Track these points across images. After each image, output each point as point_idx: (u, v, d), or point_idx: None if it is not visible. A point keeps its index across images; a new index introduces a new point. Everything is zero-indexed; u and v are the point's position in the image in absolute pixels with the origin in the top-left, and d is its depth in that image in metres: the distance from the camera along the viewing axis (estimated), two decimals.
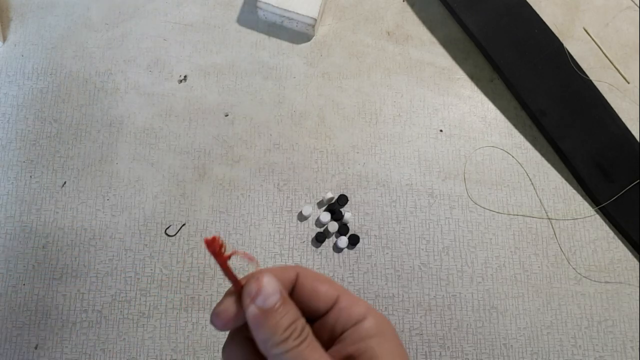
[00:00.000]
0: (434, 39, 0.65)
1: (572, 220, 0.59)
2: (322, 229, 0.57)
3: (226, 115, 0.60)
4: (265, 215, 0.57)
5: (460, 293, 0.56)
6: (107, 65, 0.62)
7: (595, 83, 0.61)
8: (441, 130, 0.61)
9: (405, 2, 0.66)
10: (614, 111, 0.60)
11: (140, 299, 0.54)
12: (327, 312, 0.24)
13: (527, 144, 0.61)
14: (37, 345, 0.52)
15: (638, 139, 0.60)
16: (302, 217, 0.57)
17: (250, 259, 0.23)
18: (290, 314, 0.22)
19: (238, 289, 0.23)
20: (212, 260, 0.55)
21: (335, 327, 0.24)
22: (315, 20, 0.60)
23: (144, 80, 0.61)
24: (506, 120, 0.62)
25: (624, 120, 0.60)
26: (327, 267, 0.56)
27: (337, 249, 0.57)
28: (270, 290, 0.22)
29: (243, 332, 0.24)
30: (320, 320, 0.25)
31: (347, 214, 0.57)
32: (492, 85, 0.63)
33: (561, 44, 0.62)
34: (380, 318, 0.24)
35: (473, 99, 0.63)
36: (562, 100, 0.60)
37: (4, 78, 0.61)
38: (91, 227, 0.56)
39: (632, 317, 0.56)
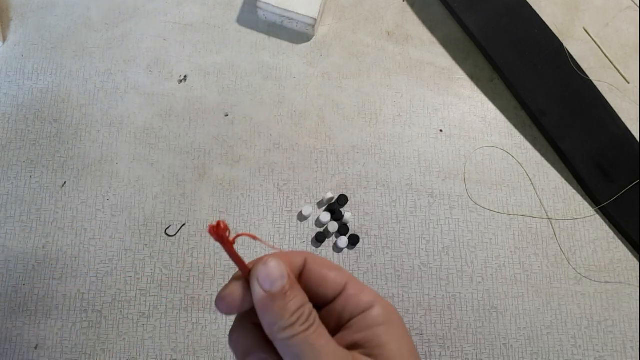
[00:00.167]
0: (434, 39, 0.65)
1: (572, 220, 0.59)
2: (322, 229, 0.57)
3: (226, 115, 0.60)
4: (265, 215, 0.57)
5: (460, 293, 0.56)
6: (107, 65, 0.62)
7: (595, 83, 0.61)
8: (441, 130, 0.61)
9: (405, 2, 0.66)
10: (614, 111, 0.60)
11: (140, 299, 0.54)
12: (334, 298, 0.24)
13: (527, 144, 0.61)
14: (37, 345, 0.52)
15: (638, 139, 0.60)
16: (302, 217, 0.57)
17: (255, 238, 0.23)
18: (297, 299, 0.22)
19: (245, 274, 0.23)
20: (212, 260, 0.55)
21: (343, 314, 0.24)
22: (315, 20, 0.60)
23: (144, 80, 0.61)
24: (506, 120, 0.62)
25: (624, 120, 0.60)
26: None
27: (337, 249, 0.57)
28: (277, 274, 0.22)
29: (251, 317, 0.24)
30: (328, 307, 0.25)
31: (347, 214, 0.57)
32: (492, 85, 0.63)
33: (561, 44, 0.62)
34: (387, 306, 0.24)
35: (473, 99, 0.63)
36: (562, 100, 0.60)
37: (4, 78, 0.61)
38: (91, 227, 0.56)
39: (632, 317, 0.56)
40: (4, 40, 0.62)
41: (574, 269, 0.57)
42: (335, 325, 0.24)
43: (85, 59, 0.62)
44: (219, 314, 0.54)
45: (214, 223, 0.22)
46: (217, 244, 0.56)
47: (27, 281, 0.54)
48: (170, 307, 0.54)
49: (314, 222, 0.57)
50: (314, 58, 0.63)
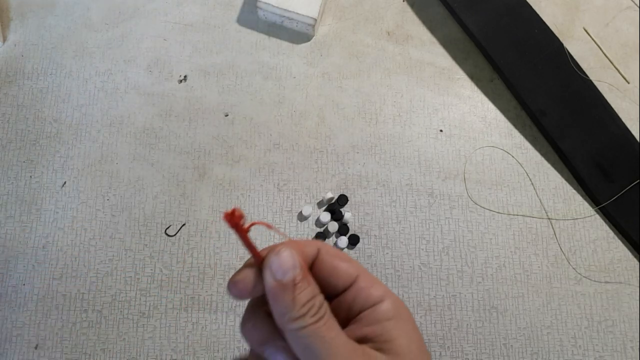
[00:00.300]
0: (434, 39, 0.65)
1: (572, 220, 0.59)
2: (322, 229, 0.57)
3: (226, 115, 0.60)
4: (265, 215, 0.57)
5: (460, 293, 0.56)
6: (107, 65, 0.62)
7: (595, 83, 0.61)
8: (441, 130, 0.61)
9: (405, 2, 0.66)
10: (614, 111, 0.60)
11: (140, 299, 0.54)
12: (344, 290, 0.24)
13: (527, 144, 0.61)
14: (37, 345, 0.52)
15: (638, 139, 0.60)
16: (302, 217, 0.57)
17: (270, 226, 0.23)
18: (308, 290, 0.22)
19: (258, 261, 0.23)
20: (212, 260, 0.55)
21: (353, 307, 0.24)
22: (315, 20, 0.60)
23: (144, 80, 0.61)
24: (506, 120, 0.62)
25: (624, 120, 0.60)
26: None
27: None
28: (290, 264, 0.22)
29: (264, 305, 0.23)
30: (338, 298, 0.25)
31: (347, 214, 0.57)
32: (492, 85, 0.63)
33: (561, 44, 0.62)
34: (397, 301, 0.24)
35: (473, 99, 0.63)
36: (562, 100, 0.60)
37: (4, 78, 0.61)
38: (91, 227, 0.56)
39: (632, 317, 0.56)
40: (4, 40, 0.62)
41: (574, 269, 0.57)
42: (345, 317, 0.24)
43: (85, 59, 0.62)
44: (219, 313, 0.54)
45: (229, 210, 0.22)
46: (218, 242, 0.56)
47: (27, 281, 0.54)
48: (170, 307, 0.54)
49: (314, 222, 0.57)
50: (314, 58, 0.63)
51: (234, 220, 0.22)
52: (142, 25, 0.63)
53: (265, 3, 0.61)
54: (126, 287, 0.54)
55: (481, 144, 0.61)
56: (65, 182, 0.57)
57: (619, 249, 0.58)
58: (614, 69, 0.64)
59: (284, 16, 0.61)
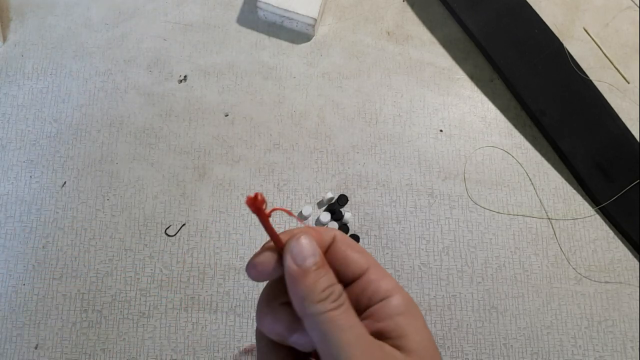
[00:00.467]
0: (434, 39, 0.65)
1: (572, 220, 0.59)
2: None
3: (226, 115, 0.60)
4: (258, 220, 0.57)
5: (460, 293, 0.56)
6: (107, 65, 0.62)
7: (595, 83, 0.61)
8: (441, 130, 0.61)
9: (405, 2, 0.66)
10: (614, 111, 0.60)
11: (140, 299, 0.54)
12: (354, 281, 0.24)
13: (527, 144, 0.61)
14: (37, 345, 0.52)
15: (638, 139, 0.60)
16: (302, 217, 0.57)
17: (290, 213, 0.23)
18: (328, 276, 0.22)
19: (279, 246, 0.23)
20: (212, 260, 0.55)
21: (361, 298, 0.24)
22: (315, 20, 0.60)
23: (144, 80, 0.61)
24: (506, 120, 0.62)
25: (624, 120, 0.60)
26: None
27: None
28: (310, 251, 0.22)
29: (279, 298, 0.24)
30: (347, 289, 0.25)
31: (347, 214, 0.57)
32: (492, 85, 0.63)
33: (561, 44, 0.62)
34: (407, 296, 0.24)
35: (473, 99, 0.63)
36: (562, 100, 0.60)
37: (4, 78, 0.61)
38: (91, 227, 0.56)
39: (632, 317, 0.56)
40: (4, 40, 0.62)
41: (574, 269, 0.57)
42: (353, 308, 0.24)
43: (85, 59, 0.62)
44: (219, 313, 0.54)
45: (252, 195, 0.22)
46: (218, 242, 0.56)
47: (27, 281, 0.54)
48: (170, 307, 0.54)
49: (314, 222, 0.57)
50: (314, 58, 0.63)
51: (257, 204, 0.22)
52: (142, 25, 0.63)
53: (265, 3, 0.61)
54: (126, 287, 0.54)
55: (481, 144, 0.61)
56: (65, 182, 0.57)
57: (619, 249, 0.58)
58: (614, 69, 0.64)
59: (284, 16, 0.61)
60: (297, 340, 0.23)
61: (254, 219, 0.57)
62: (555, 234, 0.58)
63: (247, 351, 0.53)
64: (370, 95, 0.62)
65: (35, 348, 0.52)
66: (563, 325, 0.55)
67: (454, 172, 0.60)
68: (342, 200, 0.57)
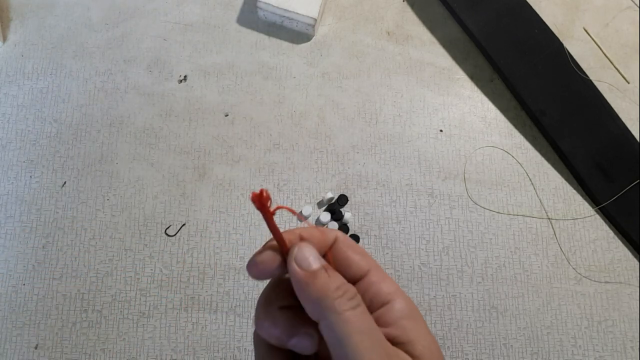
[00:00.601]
0: (434, 39, 0.65)
1: (572, 220, 0.59)
2: None
3: (226, 115, 0.60)
4: (262, 216, 0.57)
5: (460, 293, 0.56)
6: (107, 65, 0.62)
7: (595, 83, 0.61)
8: (441, 130, 0.61)
9: (405, 2, 0.66)
10: (614, 111, 0.60)
11: (140, 299, 0.54)
12: (354, 283, 0.24)
13: (527, 144, 0.61)
14: (37, 345, 0.52)
15: (638, 139, 0.60)
16: (300, 215, 0.57)
17: (294, 212, 0.23)
18: (338, 277, 0.22)
19: (281, 245, 0.23)
20: (212, 260, 0.55)
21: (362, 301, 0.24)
22: (315, 20, 0.60)
23: (144, 80, 0.61)
24: (506, 120, 0.62)
25: (624, 120, 0.60)
26: None
27: None
28: (313, 255, 0.23)
29: (277, 302, 0.23)
30: None
31: (347, 214, 0.57)
32: (492, 85, 0.63)
33: (561, 44, 0.62)
34: (409, 299, 0.24)
35: (473, 99, 0.63)
36: (562, 100, 0.60)
37: (4, 78, 0.61)
38: (91, 227, 0.56)
39: (632, 317, 0.56)
40: (4, 40, 0.62)
41: (574, 269, 0.57)
42: None
43: (85, 59, 0.62)
44: (219, 313, 0.54)
45: (257, 191, 0.22)
46: (218, 242, 0.56)
47: (27, 281, 0.54)
48: (170, 307, 0.54)
49: (313, 222, 0.57)
50: (314, 58, 0.63)
51: (262, 201, 0.22)
52: (142, 25, 0.63)
53: (265, 3, 0.61)
54: (126, 287, 0.54)
55: (481, 144, 0.61)
56: (65, 182, 0.57)
57: (619, 249, 0.58)
58: (614, 69, 0.64)
59: (284, 16, 0.61)
60: (295, 344, 0.23)
61: (254, 219, 0.57)
62: (555, 234, 0.58)
63: None
64: (370, 95, 0.62)
65: (35, 348, 0.52)
66: (563, 325, 0.55)
67: (454, 172, 0.60)
68: (342, 200, 0.57)
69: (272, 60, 0.63)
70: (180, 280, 0.55)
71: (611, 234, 0.58)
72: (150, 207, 0.57)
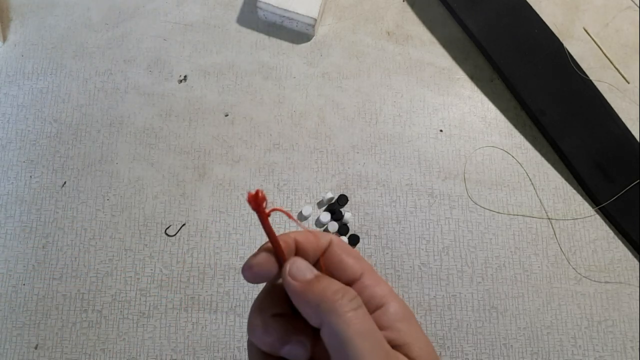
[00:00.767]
0: (434, 39, 0.65)
1: (572, 220, 0.59)
2: (322, 229, 0.57)
3: (226, 115, 0.60)
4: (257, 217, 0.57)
5: (460, 293, 0.56)
6: (107, 65, 0.62)
7: (595, 83, 0.61)
8: (441, 130, 0.61)
9: (405, 2, 0.66)
10: (614, 111, 0.60)
11: (140, 299, 0.54)
12: (348, 286, 0.24)
13: (527, 144, 0.61)
14: (37, 345, 0.52)
15: (638, 139, 0.60)
16: (302, 217, 0.57)
17: (289, 216, 0.23)
18: (335, 282, 0.23)
19: (275, 247, 0.23)
20: (212, 260, 0.55)
21: None
22: (315, 20, 0.60)
23: (144, 80, 0.61)
24: (506, 120, 0.62)
25: (624, 120, 0.60)
26: None
27: None
28: (307, 267, 0.23)
29: (270, 309, 0.24)
30: None
31: (347, 214, 0.57)
32: (492, 85, 0.63)
33: (561, 44, 0.62)
34: (403, 302, 0.24)
35: (473, 99, 0.63)
36: (562, 100, 0.60)
37: (4, 78, 0.61)
38: (91, 227, 0.56)
39: (632, 317, 0.56)
40: (4, 40, 0.62)
41: (574, 269, 0.57)
42: None
43: (85, 59, 0.62)
44: (219, 313, 0.54)
45: (253, 192, 0.22)
46: (218, 242, 0.56)
47: (27, 281, 0.54)
48: (170, 307, 0.54)
49: (314, 222, 0.57)
50: (314, 58, 0.63)
51: (258, 201, 0.22)
52: (142, 25, 0.63)
53: (265, 3, 0.61)
54: (126, 287, 0.54)
55: (481, 144, 0.61)
56: (65, 182, 0.57)
57: (619, 249, 0.58)
58: (614, 69, 0.64)
59: (284, 16, 0.61)
60: (288, 352, 0.23)
61: (254, 219, 0.57)
62: (555, 234, 0.58)
63: None
64: (370, 95, 0.62)
65: (35, 348, 0.52)
66: (563, 325, 0.55)
67: (454, 172, 0.60)
68: (342, 200, 0.57)
69: (272, 60, 0.63)
70: (180, 280, 0.55)
71: (611, 234, 0.58)
72: (150, 207, 0.57)
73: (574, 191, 0.60)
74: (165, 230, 0.56)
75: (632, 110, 0.63)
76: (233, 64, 0.62)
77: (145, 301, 0.54)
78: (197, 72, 0.62)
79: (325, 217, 0.56)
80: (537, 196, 0.59)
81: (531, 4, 0.63)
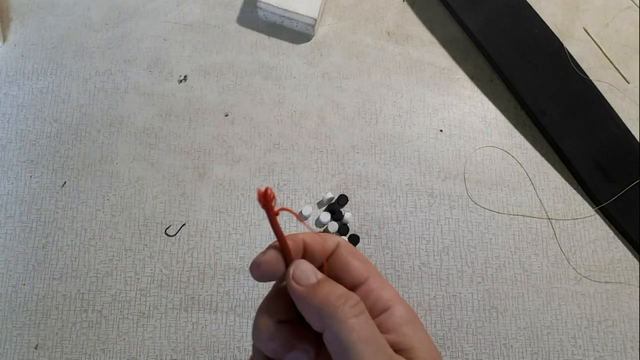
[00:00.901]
0: (434, 39, 0.65)
1: (572, 220, 0.59)
2: (322, 229, 0.57)
3: (226, 115, 0.60)
4: (265, 215, 0.57)
5: (460, 293, 0.56)
6: (107, 65, 0.62)
7: (595, 83, 0.61)
8: (441, 130, 0.61)
9: (405, 2, 0.66)
10: (614, 111, 0.60)
11: (140, 299, 0.54)
12: (354, 289, 0.24)
13: (527, 144, 0.61)
14: (37, 345, 0.52)
15: (638, 139, 0.60)
16: (302, 217, 0.57)
17: (297, 216, 0.23)
18: (338, 287, 0.22)
19: (282, 246, 0.23)
20: (212, 260, 0.55)
21: None
22: (315, 20, 0.60)
23: (144, 80, 0.61)
24: (506, 120, 0.62)
25: (624, 120, 0.60)
26: None
27: None
28: (311, 271, 0.23)
29: (275, 315, 0.23)
30: None
31: (347, 214, 0.57)
32: (492, 85, 0.63)
33: (561, 44, 0.62)
34: (408, 306, 0.24)
35: (473, 99, 0.63)
36: (562, 100, 0.60)
37: (4, 78, 0.61)
38: (91, 227, 0.56)
39: (632, 317, 0.56)
40: (4, 40, 0.62)
41: (574, 269, 0.57)
42: None
43: (85, 59, 0.62)
44: (219, 313, 0.54)
45: (262, 189, 0.22)
46: (218, 242, 0.56)
47: (27, 281, 0.54)
48: (170, 307, 0.54)
49: (314, 222, 0.57)
50: (314, 58, 0.63)
51: (267, 199, 0.22)
52: (142, 25, 0.63)
53: (265, 3, 0.61)
54: (126, 287, 0.54)
55: (481, 144, 0.61)
56: (65, 182, 0.57)
57: (619, 249, 0.58)
58: (614, 69, 0.64)
59: (284, 16, 0.61)
60: (293, 358, 0.23)
61: (254, 219, 0.57)
62: (555, 234, 0.58)
63: None
64: (370, 95, 0.62)
65: (35, 348, 0.52)
66: (563, 325, 0.55)
67: (454, 172, 0.60)
68: (342, 200, 0.57)
69: (272, 60, 0.63)
70: (180, 280, 0.55)
71: (611, 234, 0.58)
72: (150, 207, 0.57)
73: (574, 191, 0.60)
74: (165, 230, 0.56)
75: (632, 110, 0.63)
76: (233, 64, 0.62)
77: (145, 301, 0.54)
78: (197, 72, 0.62)
79: (325, 217, 0.56)
80: (537, 196, 0.59)
81: (531, 3, 0.63)
